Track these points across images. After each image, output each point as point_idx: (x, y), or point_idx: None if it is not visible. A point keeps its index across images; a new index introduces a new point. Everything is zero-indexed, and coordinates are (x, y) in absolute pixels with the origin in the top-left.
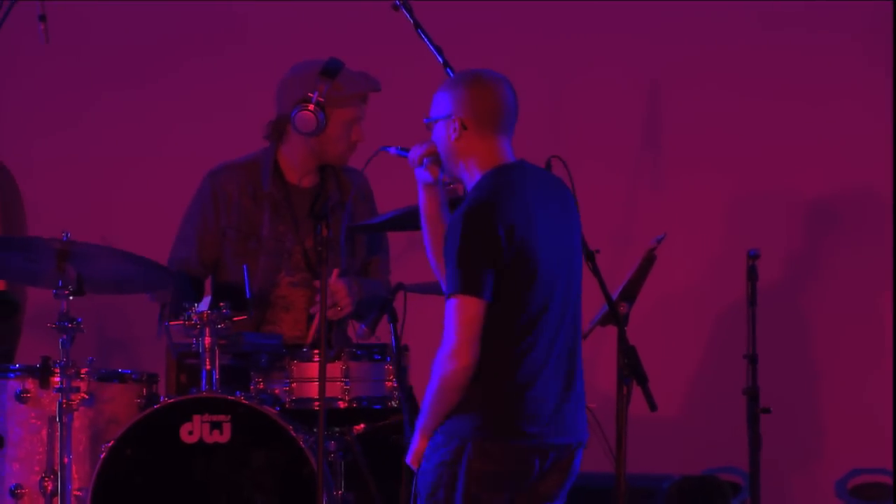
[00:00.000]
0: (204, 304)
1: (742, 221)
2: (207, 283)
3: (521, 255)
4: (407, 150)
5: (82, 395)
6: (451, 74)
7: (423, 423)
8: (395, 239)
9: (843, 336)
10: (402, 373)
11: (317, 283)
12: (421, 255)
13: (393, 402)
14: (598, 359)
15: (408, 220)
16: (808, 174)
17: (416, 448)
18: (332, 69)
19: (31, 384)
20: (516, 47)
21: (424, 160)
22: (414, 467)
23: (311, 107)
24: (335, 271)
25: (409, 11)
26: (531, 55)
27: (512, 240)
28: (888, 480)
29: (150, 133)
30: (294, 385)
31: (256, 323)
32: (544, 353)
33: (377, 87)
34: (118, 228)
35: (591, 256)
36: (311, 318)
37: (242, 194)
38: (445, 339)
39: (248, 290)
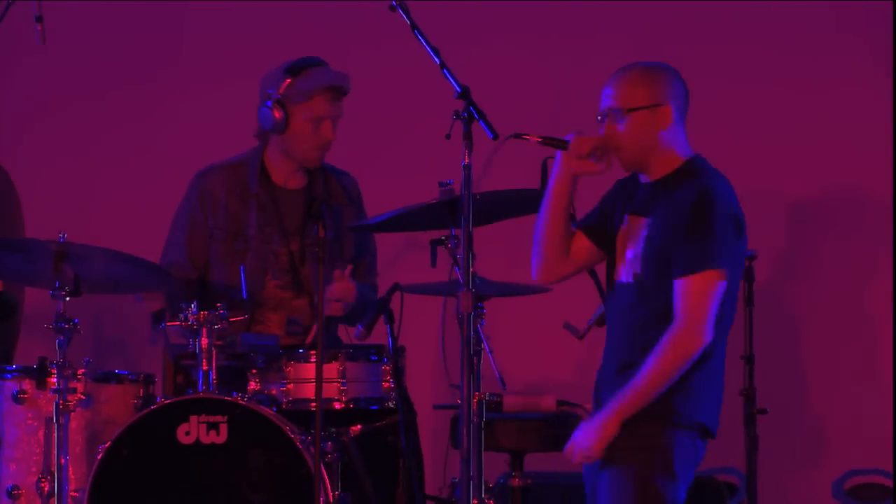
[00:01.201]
0: (195, 306)
1: None
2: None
3: (743, 243)
4: (555, 140)
5: (79, 395)
6: (450, 76)
7: (632, 400)
8: (392, 239)
9: (838, 336)
10: (398, 373)
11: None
12: (417, 256)
13: (389, 403)
14: (595, 360)
15: (406, 220)
16: (804, 175)
17: (609, 430)
18: (294, 66)
19: (27, 385)
20: (515, 49)
21: (595, 152)
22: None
23: (270, 103)
24: (349, 268)
25: (406, 12)
26: (530, 56)
27: (743, 226)
28: (885, 481)
29: (147, 134)
30: (291, 386)
31: (247, 323)
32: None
33: (336, 83)
34: (115, 229)
35: None
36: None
37: (230, 195)
38: (689, 312)
39: (244, 291)
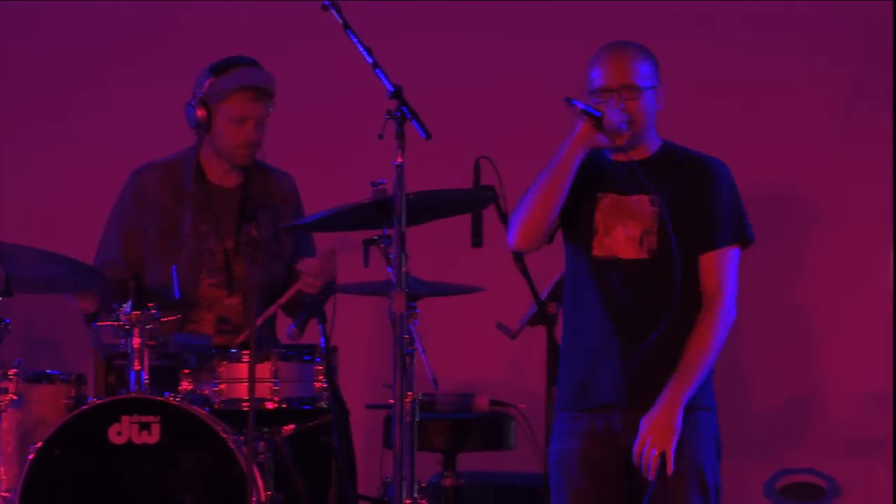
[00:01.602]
0: (128, 306)
1: None
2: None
3: None
4: (597, 110)
5: (10, 396)
6: (382, 76)
7: (692, 383)
8: (325, 239)
9: (772, 335)
10: (331, 373)
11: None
12: (351, 257)
13: (322, 403)
14: (527, 359)
15: (338, 220)
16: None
17: (678, 420)
18: (219, 65)
19: None
20: (448, 48)
21: (623, 124)
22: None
23: (193, 102)
24: (329, 249)
25: (339, 11)
26: (463, 56)
27: None
28: (817, 481)
29: (77, 134)
30: (223, 386)
31: (180, 322)
32: None
33: (255, 83)
34: (45, 229)
35: (519, 257)
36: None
37: (164, 193)
38: (731, 286)
39: (176, 291)
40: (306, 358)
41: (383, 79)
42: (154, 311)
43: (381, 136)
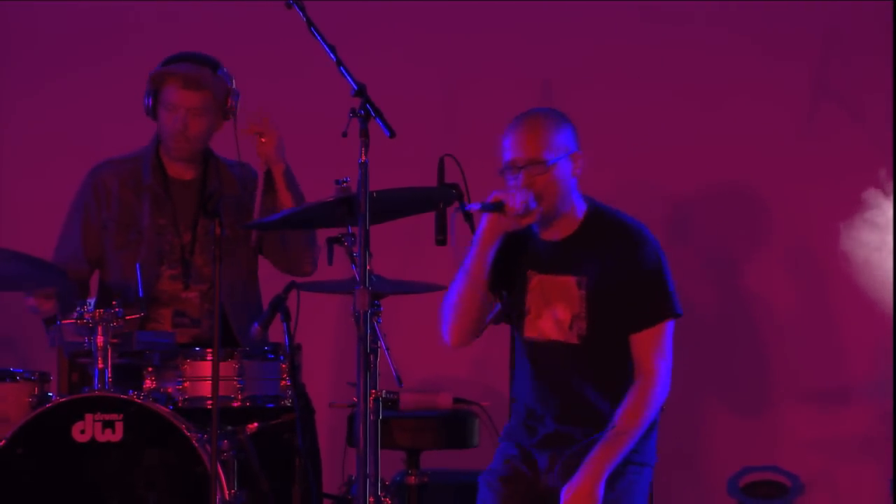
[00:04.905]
0: (91, 303)
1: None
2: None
3: None
4: (496, 202)
5: None
6: (346, 74)
7: (613, 457)
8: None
9: (731, 333)
10: (294, 371)
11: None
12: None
13: (286, 401)
14: (490, 357)
15: (302, 218)
16: (686, 173)
17: (598, 490)
18: (171, 57)
19: None
20: (410, 45)
21: (529, 204)
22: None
23: (147, 90)
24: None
25: (302, 9)
26: (425, 53)
27: None
28: (780, 478)
29: (41, 132)
30: (187, 384)
31: (141, 320)
32: None
33: (182, 72)
34: (6, 227)
35: None
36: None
37: (123, 187)
38: (664, 361)
39: (140, 289)
40: (270, 356)
41: (347, 77)
42: (118, 309)
43: (344, 134)
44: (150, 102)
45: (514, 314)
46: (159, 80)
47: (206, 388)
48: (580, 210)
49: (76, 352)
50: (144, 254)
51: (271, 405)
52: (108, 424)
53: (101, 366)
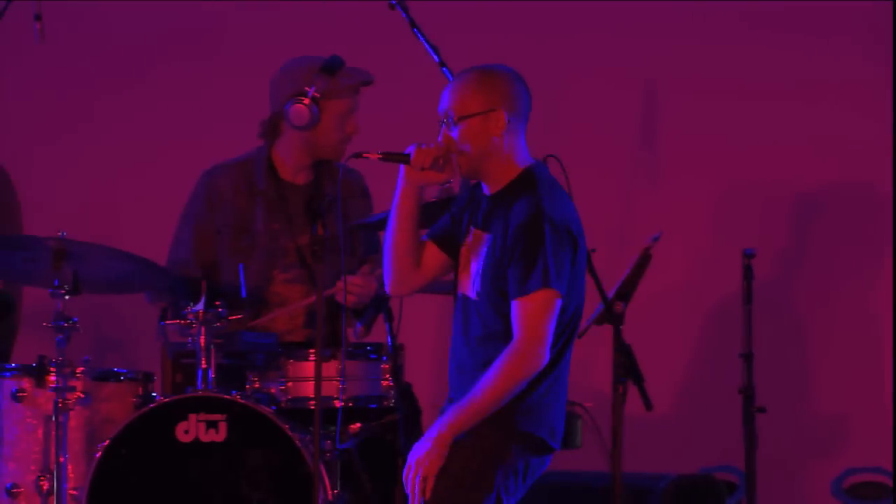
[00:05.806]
0: (199, 305)
1: (737, 219)
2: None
3: (579, 253)
4: (396, 155)
5: (78, 394)
6: (448, 74)
7: (468, 416)
8: None
9: (837, 333)
10: (397, 371)
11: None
12: None
13: (388, 402)
14: (594, 358)
15: None
16: (803, 172)
17: (444, 445)
18: (332, 65)
19: (27, 383)
20: (513, 47)
21: (438, 161)
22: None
23: (306, 101)
24: (368, 267)
25: (405, 10)
26: (529, 54)
27: (577, 237)
28: (884, 479)
29: (149, 132)
30: (290, 384)
31: (252, 320)
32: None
33: (370, 80)
34: (116, 228)
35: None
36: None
37: (236, 192)
38: (525, 333)
39: (243, 289)
40: (373, 356)
41: (450, 77)
42: (221, 310)
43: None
44: (318, 112)
45: (455, 272)
46: (343, 90)
47: (308, 389)
48: (513, 172)
49: (180, 352)
50: (258, 258)
51: (373, 406)
52: (212, 425)
53: (204, 366)
